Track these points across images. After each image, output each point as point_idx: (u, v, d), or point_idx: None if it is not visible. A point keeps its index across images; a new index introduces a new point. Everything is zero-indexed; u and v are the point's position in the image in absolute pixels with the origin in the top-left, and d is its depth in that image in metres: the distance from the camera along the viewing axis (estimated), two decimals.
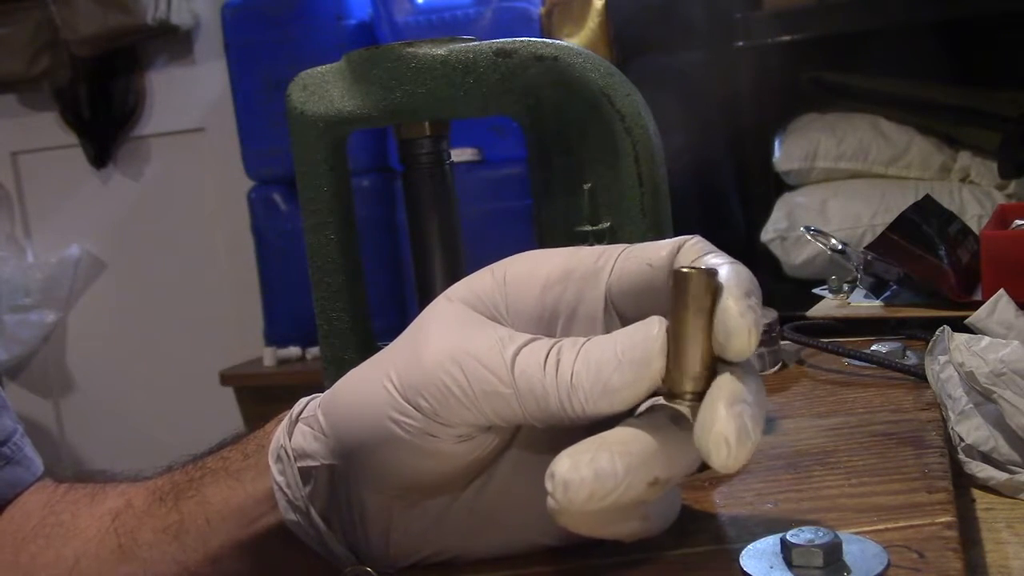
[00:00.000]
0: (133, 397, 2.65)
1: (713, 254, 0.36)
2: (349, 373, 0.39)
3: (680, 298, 0.33)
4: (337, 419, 0.39)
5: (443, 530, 0.39)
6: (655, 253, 0.37)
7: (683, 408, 0.34)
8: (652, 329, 0.34)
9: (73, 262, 2.66)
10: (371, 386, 0.37)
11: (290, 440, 0.41)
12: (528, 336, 0.36)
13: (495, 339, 0.35)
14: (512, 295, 0.38)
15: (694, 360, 0.33)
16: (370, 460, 0.38)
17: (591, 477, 0.32)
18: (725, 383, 0.33)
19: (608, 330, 0.38)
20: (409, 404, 0.36)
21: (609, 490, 0.32)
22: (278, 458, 0.41)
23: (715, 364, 0.33)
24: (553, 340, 0.35)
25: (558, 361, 0.34)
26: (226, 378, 2.31)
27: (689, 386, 0.33)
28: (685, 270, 0.33)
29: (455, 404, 0.35)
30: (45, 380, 2.75)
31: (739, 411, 0.32)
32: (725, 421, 0.32)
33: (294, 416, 0.42)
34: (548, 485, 0.33)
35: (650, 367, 0.33)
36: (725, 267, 0.34)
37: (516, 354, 0.35)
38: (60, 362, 2.75)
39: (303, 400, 0.42)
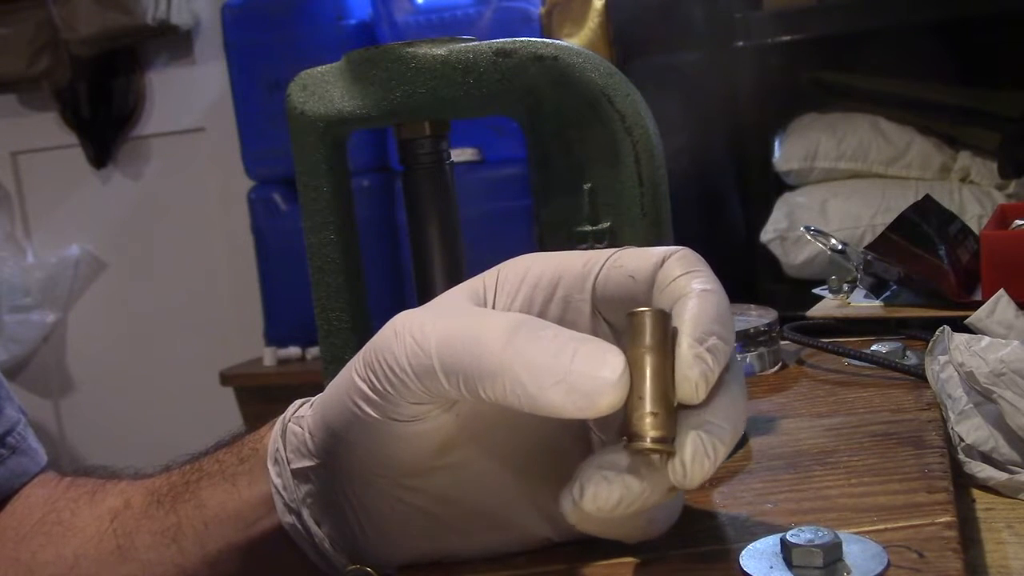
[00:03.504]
0: (133, 397, 2.65)
1: (693, 273, 0.35)
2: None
3: (635, 339, 0.32)
4: (320, 412, 0.39)
5: (439, 530, 0.39)
6: (639, 265, 0.36)
7: (644, 453, 0.32)
8: (611, 372, 0.31)
9: (73, 262, 2.66)
10: (345, 373, 0.37)
11: (284, 442, 0.41)
12: (479, 309, 0.35)
13: (435, 313, 0.34)
14: (503, 296, 0.38)
15: (649, 401, 0.32)
16: (350, 450, 0.38)
17: (620, 486, 0.32)
18: (697, 406, 0.33)
19: (595, 335, 0.38)
20: (365, 385, 0.35)
21: (635, 497, 0.33)
22: (275, 461, 0.41)
23: (673, 402, 0.32)
24: (490, 313, 0.34)
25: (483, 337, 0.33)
26: (226, 378, 2.31)
27: (647, 427, 0.32)
28: (637, 312, 0.33)
29: (396, 382, 0.34)
30: (45, 380, 2.75)
31: (697, 433, 0.32)
32: (683, 444, 0.32)
33: (287, 418, 0.42)
34: (575, 492, 0.32)
35: (594, 404, 0.31)
36: (693, 299, 0.34)
37: (445, 325, 0.34)
38: (60, 362, 2.75)
39: (297, 402, 0.42)
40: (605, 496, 0.32)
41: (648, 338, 0.32)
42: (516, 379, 0.32)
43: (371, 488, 0.38)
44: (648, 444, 0.32)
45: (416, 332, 0.34)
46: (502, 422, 0.38)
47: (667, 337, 0.33)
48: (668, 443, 0.32)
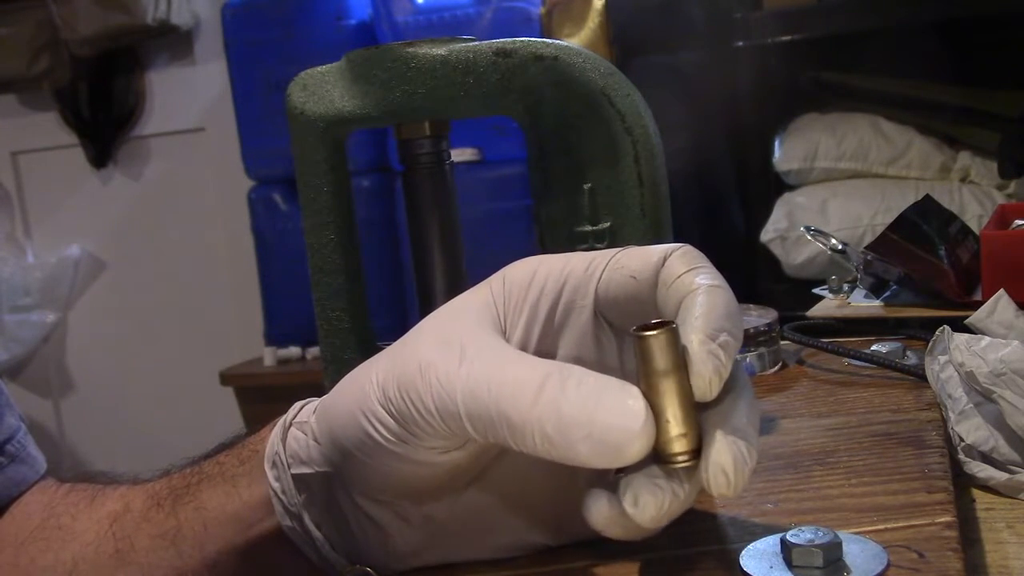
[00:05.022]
0: (133, 397, 2.65)
1: (697, 269, 0.35)
2: (348, 374, 0.39)
3: (648, 364, 0.33)
4: (328, 423, 0.39)
5: (441, 537, 0.39)
6: (641, 264, 0.36)
7: (678, 469, 0.33)
8: (635, 421, 0.32)
9: (73, 262, 2.66)
10: (357, 390, 0.37)
11: (284, 446, 0.41)
12: (502, 350, 0.35)
13: (458, 351, 0.35)
14: (512, 309, 0.38)
15: (676, 423, 0.33)
16: (359, 466, 0.37)
17: (670, 496, 0.33)
18: (719, 411, 0.33)
19: (598, 338, 0.38)
20: (385, 411, 0.36)
21: (681, 505, 0.33)
22: (273, 464, 0.41)
23: (696, 413, 0.33)
24: (514, 359, 0.34)
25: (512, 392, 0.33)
26: (226, 378, 2.31)
27: (677, 448, 0.33)
28: (644, 335, 0.33)
29: (419, 418, 0.35)
30: (45, 380, 2.75)
31: (733, 439, 0.32)
32: (722, 451, 0.32)
33: (288, 421, 0.41)
34: (628, 505, 0.33)
35: (621, 455, 0.32)
36: (701, 295, 0.34)
37: (470, 371, 0.34)
38: (60, 362, 2.75)
39: (298, 404, 0.42)
40: (658, 505, 0.33)
41: (661, 362, 0.32)
42: (544, 434, 0.32)
43: (375, 501, 0.39)
44: (682, 464, 0.33)
45: (442, 375, 0.34)
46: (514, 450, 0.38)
47: (678, 353, 0.33)
48: (698, 456, 0.33)
